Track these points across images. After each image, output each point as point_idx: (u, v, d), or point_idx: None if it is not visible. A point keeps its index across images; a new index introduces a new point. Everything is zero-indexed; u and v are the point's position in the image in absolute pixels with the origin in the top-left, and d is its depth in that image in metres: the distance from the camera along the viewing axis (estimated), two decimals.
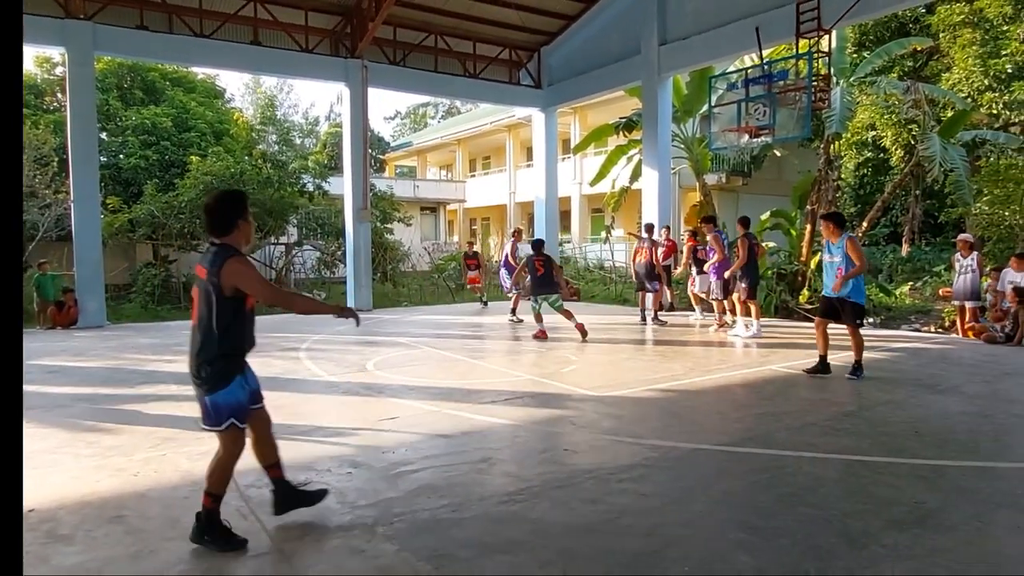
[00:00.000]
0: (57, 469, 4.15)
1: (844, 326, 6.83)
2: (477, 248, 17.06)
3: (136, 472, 4.05)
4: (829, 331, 6.95)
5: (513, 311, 12.04)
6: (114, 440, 4.75)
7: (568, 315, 9.87)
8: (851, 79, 14.97)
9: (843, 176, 18.91)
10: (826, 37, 10.79)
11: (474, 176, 36.58)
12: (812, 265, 13.70)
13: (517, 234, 14.03)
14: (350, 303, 15.06)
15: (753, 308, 9.86)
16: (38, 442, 4.69)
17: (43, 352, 9.12)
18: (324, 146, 35.57)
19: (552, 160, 17.79)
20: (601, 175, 17.03)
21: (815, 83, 10.49)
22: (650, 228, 11.88)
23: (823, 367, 6.87)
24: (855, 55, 17.16)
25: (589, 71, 15.66)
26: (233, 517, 3.31)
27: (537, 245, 10.50)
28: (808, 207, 14.66)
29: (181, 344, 9.81)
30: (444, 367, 7.88)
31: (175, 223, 17.01)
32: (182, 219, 16.94)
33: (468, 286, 16.33)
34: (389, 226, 22.46)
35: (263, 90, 42.96)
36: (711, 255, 10.43)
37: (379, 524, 3.21)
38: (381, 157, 41.42)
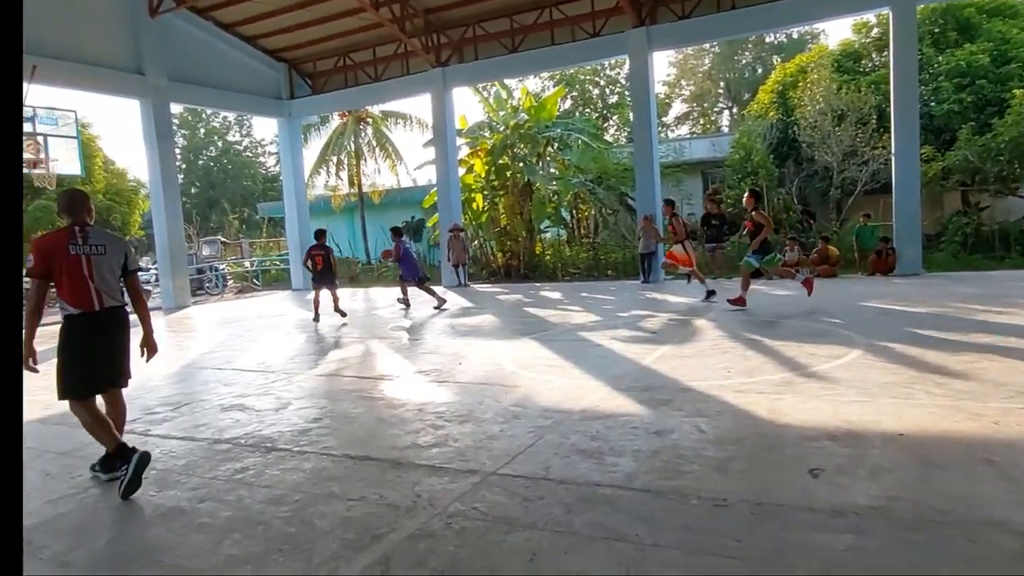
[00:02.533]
0: (911, 402, 4.57)
1: None
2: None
3: (996, 420, 4.09)
4: None
5: None
6: (963, 385, 4.88)
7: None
8: None
9: None
10: None
11: None
12: None
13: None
14: None
15: None
16: (889, 376, 5.26)
17: (868, 295, 10.08)
18: None
19: None
20: None
21: None
22: None
23: None
24: None
25: None
26: None
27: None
28: None
29: (1008, 296, 9.18)
30: None
31: (992, 167, 15.73)
32: (1000, 162, 15.52)
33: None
34: None
35: None
36: None
37: None
38: None
